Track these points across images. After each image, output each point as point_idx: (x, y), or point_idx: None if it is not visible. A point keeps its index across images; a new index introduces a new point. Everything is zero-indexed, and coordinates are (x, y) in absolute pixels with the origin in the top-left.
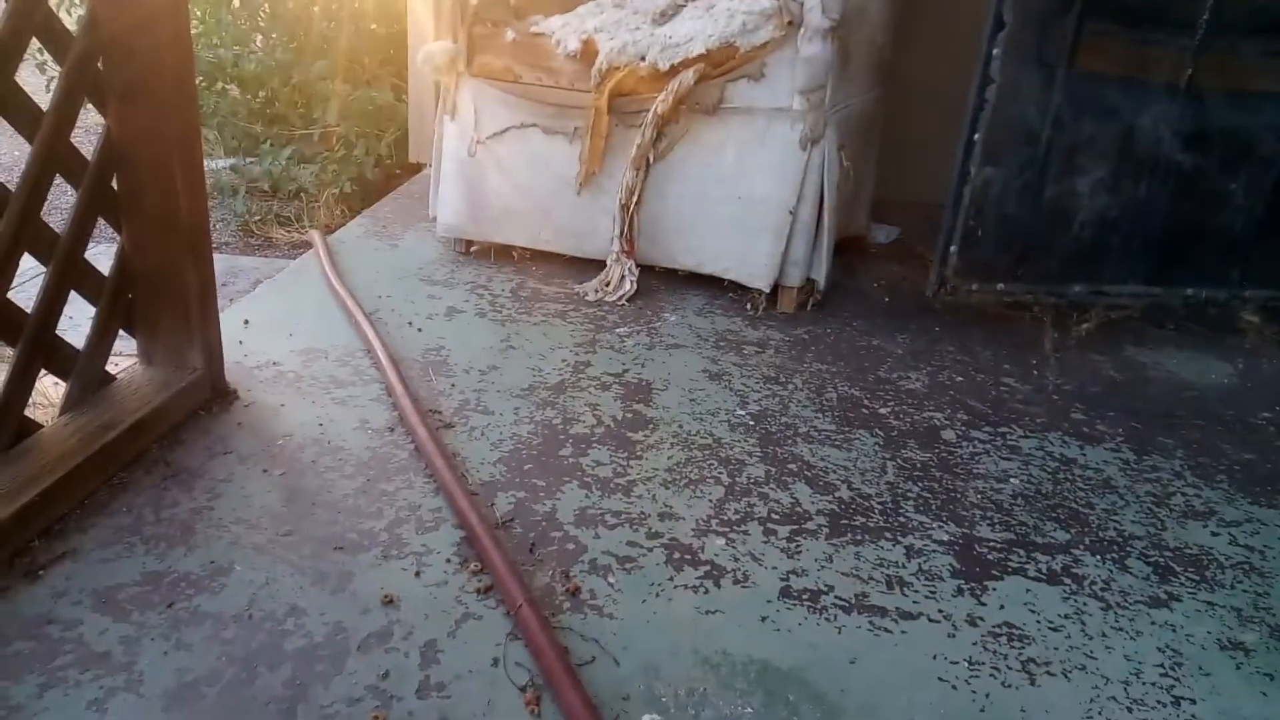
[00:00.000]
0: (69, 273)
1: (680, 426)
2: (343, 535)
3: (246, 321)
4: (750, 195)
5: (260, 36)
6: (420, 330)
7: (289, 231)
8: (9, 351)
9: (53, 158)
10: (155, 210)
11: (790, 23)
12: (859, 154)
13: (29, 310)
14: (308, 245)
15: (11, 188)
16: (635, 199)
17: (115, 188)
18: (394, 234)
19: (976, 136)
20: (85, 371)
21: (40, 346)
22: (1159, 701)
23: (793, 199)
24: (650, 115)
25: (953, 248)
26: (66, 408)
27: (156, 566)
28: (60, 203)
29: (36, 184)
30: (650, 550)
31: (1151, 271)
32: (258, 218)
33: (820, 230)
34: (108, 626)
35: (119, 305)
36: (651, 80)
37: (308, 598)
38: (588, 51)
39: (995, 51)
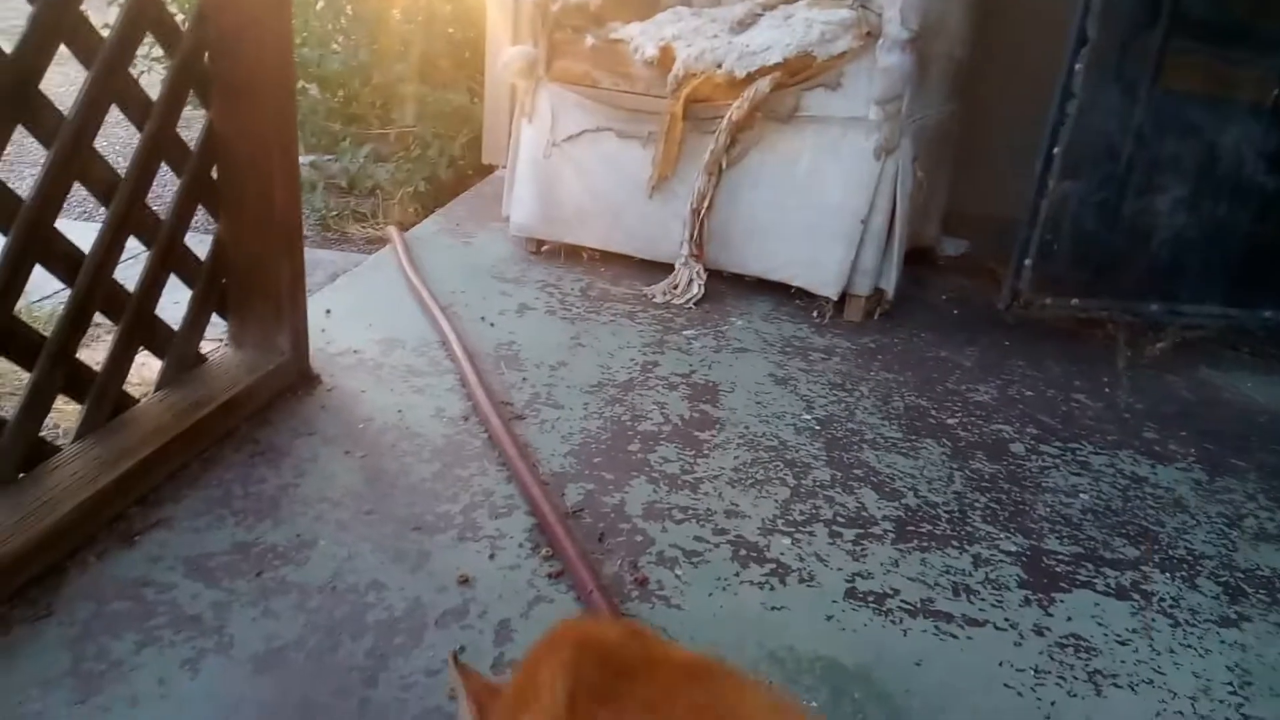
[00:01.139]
0: (169, 256)
1: (746, 428)
2: (421, 516)
3: (329, 311)
4: (822, 203)
5: (342, 37)
6: (493, 325)
7: (364, 227)
8: (102, 333)
9: (159, 146)
10: (252, 202)
11: (869, 33)
12: (932, 166)
13: (130, 291)
14: (382, 241)
15: (121, 174)
16: (706, 204)
17: (215, 178)
18: (467, 232)
19: (1056, 150)
20: (180, 350)
21: (140, 325)
22: (1226, 718)
23: (865, 208)
24: (725, 122)
25: (1027, 261)
26: (161, 385)
27: (245, 537)
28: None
29: (144, 170)
30: (717, 546)
31: (1229, 292)
32: (335, 213)
33: (891, 240)
34: (200, 591)
35: (213, 290)
36: (727, 87)
37: (388, 574)
38: (665, 58)
39: (1077, 66)
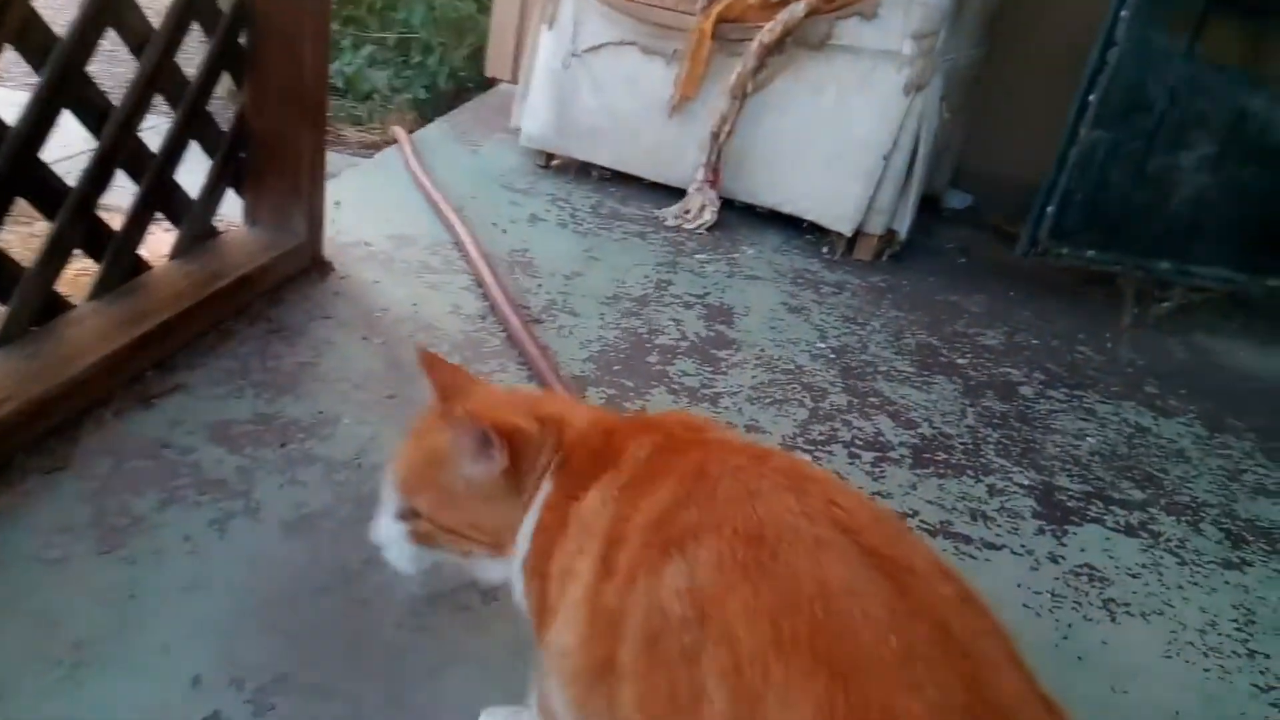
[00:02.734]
0: (192, 120)
1: (762, 350)
2: None
3: (338, 202)
4: (846, 136)
5: None
6: (505, 232)
7: (360, 130)
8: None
9: (191, 5)
10: (279, 75)
11: None
12: (956, 109)
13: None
14: (378, 146)
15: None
16: (728, 129)
17: (243, 44)
18: (474, 140)
19: (1091, 98)
20: (196, 220)
21: (159, 188)
22: (1234, 652)
23: (888, 144)
24: (754, 44)
25: (1049, 208)
26: (175, 254)
27: (266, 409)
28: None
29: (176, 25)
30: None
31: (1240, 257)
32: (329, 114)
33: (910, 180)
34: (223, 457)
35: (232, 161)
36: (760, 9)
37: None
38: None
39: (1123, 14)
